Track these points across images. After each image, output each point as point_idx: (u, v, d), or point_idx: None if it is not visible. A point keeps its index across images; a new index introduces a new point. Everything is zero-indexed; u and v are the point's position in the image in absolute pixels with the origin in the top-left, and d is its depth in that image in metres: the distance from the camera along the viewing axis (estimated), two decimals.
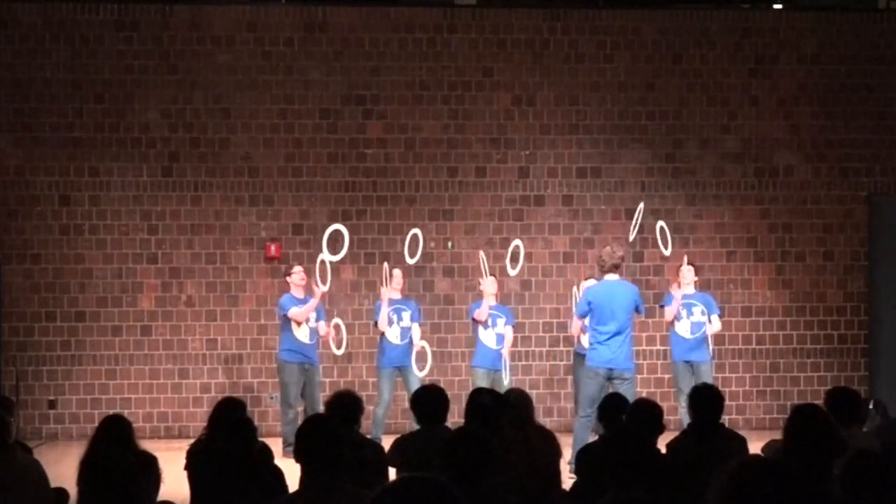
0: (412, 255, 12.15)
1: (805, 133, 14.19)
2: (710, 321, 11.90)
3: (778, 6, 14.52)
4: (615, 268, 10.68)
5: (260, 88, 13.65)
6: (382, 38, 13.80)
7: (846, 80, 14.23)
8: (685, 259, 12.24)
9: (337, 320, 12.35)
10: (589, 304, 10.66)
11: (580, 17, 14.01)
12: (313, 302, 11.99)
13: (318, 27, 13.77)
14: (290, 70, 13.69)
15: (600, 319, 10.54)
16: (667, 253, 12.26)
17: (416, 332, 12.18)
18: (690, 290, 11.96)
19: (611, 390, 9.51)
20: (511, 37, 13.91)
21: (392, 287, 12.21)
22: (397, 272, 12.30)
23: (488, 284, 12.10)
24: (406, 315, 12.13)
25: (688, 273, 12.00)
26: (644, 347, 13.58)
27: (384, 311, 12.01)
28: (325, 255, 12.02)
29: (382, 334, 12.07)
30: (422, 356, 12.23)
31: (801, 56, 14.21)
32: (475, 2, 14.11)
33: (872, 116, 14.22)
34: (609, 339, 10.46)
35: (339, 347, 12.40)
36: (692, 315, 11.88)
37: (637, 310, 10.77)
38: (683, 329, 11.83)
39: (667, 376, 13.81)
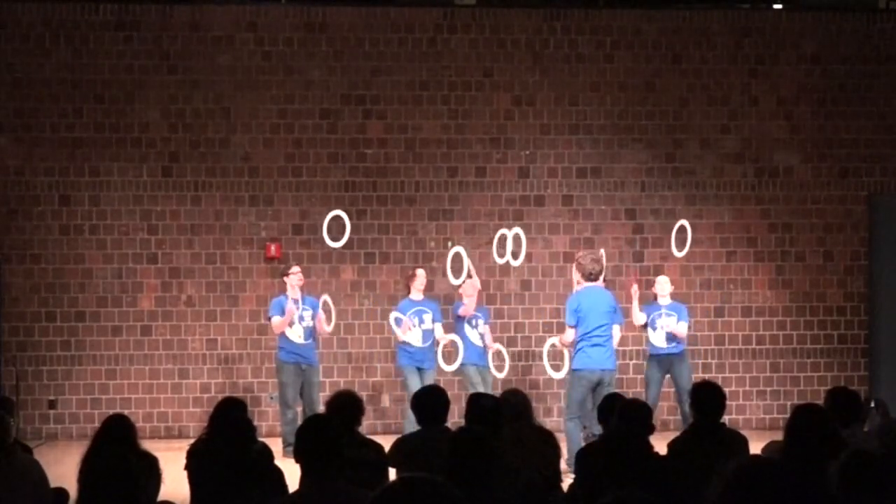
0: (456, 276, 11.84)
1: (805, 133, 14.18)
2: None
3: (778, 6, 14.51)
4: (599, 274, 10.85)
5: (260, 88, 13.65)
6: (382, 38, 13.80)
7: (846, 80, 14.22)
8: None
9: (325, 297, 12.19)
10: (577, 311, 10.75)
11: (580, 17, 14.01)
12: (287, 317, 11.82)
13: (318, 27, 13.77)
14: (290, 70, 13.69)
15: (589, 324, 10.67)
16: (679, 254, 12.17)
17: (438, 331, 12.03)
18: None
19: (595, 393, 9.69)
20: (511, 37, 13.91)
21: (415, 287, 12.14)
22: (421, 272, 12.22)
23: (468, 287, 12.01)
24: (427, 317, 12.03)
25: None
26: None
27: (402, 326, 11.86)
28: (328, 241, 11.84)
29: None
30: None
31: (801, 56, 14.21)
32: (475, 2, 14.10)
33: (872, 116, 14.22)
34: (599, 342, 10.63)
35: (328, 324, 12.13)
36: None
37: (616, 315, 10.94)
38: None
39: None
